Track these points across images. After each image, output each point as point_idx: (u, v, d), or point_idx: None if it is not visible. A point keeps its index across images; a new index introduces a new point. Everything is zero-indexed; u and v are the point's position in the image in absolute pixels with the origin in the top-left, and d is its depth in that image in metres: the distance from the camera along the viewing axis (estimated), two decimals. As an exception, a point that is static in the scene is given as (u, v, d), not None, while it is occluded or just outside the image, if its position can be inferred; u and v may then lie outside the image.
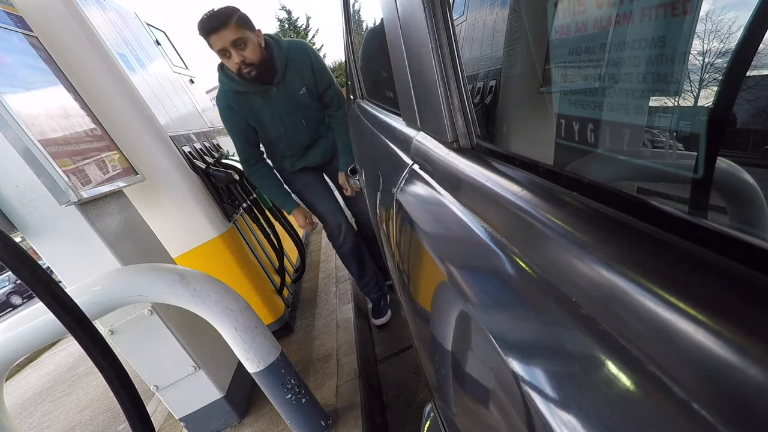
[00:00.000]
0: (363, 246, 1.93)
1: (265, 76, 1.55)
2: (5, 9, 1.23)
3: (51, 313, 1.00)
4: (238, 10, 1.47)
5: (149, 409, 2.10)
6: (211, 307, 1.06)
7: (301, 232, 2.83)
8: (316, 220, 1.85)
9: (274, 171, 1.82)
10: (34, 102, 1.15)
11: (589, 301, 0.21)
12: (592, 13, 0.25)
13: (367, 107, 1.25)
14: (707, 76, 0.19)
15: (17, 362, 1.17)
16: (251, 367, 1.15)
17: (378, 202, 0.83)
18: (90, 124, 1.36)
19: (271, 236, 2.24)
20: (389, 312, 2.02)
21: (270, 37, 1.58)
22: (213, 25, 1.42)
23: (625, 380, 0.17)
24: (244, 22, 1.47)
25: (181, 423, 1.54)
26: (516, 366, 0.25)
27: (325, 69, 1.67)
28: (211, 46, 1.48)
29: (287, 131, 1.69)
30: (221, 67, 1.57)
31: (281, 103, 1.62)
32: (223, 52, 1.47)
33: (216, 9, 1.45)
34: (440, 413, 0.49)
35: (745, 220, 0.19)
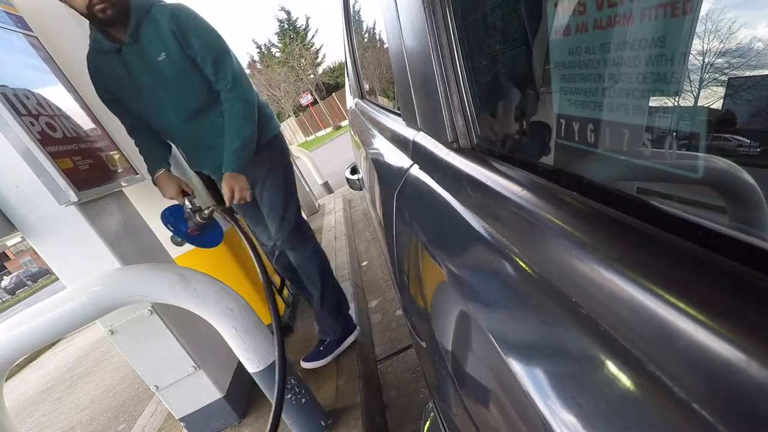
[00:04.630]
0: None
1: (123, 24, 1.21)
2: (5, 9, 1.23)
3: (51, 314, 1.00)
4: None
5: (149, 409, 2.10)
6: (211, 307, 1.06)
7: None
8: (191, 191, 1.39)
9: (151, 130, 1.39)
10: (34, 102, 1.15)
11: (589, 301, 0.21)
12: (592, 13, 0.25)
13: (367, 107, 1.25)
14: (707, 76, 0.19)
15: (17, 362, 1.17)
16: (251, 367, 1.15)
17: (378, 202, 0.83)
18: (90, 124, 1.36)
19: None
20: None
21: None
22: None
23: (625, 380, 0.17)
24: None
25: (181, 423, 1.54)
26: (516, 366, 0.25)
27: (198, 28, 1.25)
28: None
29: (152, 109, 1.31)
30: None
31: (137, 69, 1.25)
32: None
33: None
34: (440, 413, 0.49)
35: (745, 220, 0.19)
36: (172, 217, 1.38)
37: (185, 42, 1.24)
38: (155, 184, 1.37)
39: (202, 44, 1.25)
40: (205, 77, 1.30)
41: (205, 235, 1.43)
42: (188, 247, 1.80)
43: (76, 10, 1.20)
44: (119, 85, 1.28)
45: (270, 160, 1.45)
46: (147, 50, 1.24)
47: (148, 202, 1.66)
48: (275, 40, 29.71)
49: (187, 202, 1.37)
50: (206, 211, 1.36)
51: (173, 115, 1.33)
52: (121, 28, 1.23)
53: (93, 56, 1.27)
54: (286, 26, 28.74)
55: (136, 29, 1.23)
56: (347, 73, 1.69)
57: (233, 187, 1.32)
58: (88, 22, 1.33)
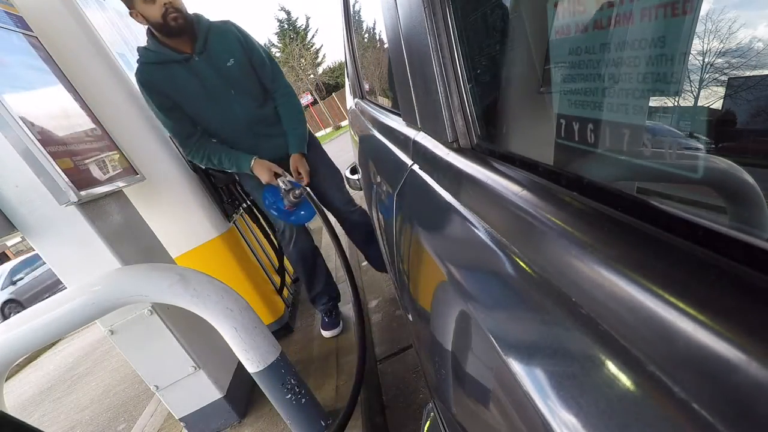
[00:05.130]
0: (316, 254, 1.85)
1: (188, 36, 1.45)
2: (5, 9, 1.23)
3: (51, 314, 1.00)
4: None
5: (149, 409, 2.10)
6: (211, 307, 1.06)
7: None
8: (281, 171, 1.58)
9: (208, 135, 1.60)
10: (34, 102, 1.15)
11: (589, 301, 0.21)
12: (592, 13, 0.25)
13: (367, 107, 1.25)
14: (707, 76, 0.19)
15: (17, 362, 1.17)
16: (251, 367, 1.15)
17: (378, 202, 0.83)
18: (90, 124, 1.36)
19: (271, 236, 2.24)
20: (341, 324, 1.89)
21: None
22: None
23: (625, 380, 0.17)
24: None
25: (181, 423, 1.54)
26: (516, 366, 0.25)
27: (257, 45, 1.57)
28: None
29: (219, 108, 1.52)
30: (140, 49, 1.49)
31: (208, 75, 1.48)
32: (149, 2, 1.35)
33: None
34: (440, 413, 0.49)
35: (745, 220, 0.19)
36: (271, 197, 1.60)
37: (248, 50, 1.53)
38: (251, 172, 1.58)
39: (261, 53, 1.56)
40: (258, 79, 1.57)
41: (298, 211, 1.63)
42: (188, 246, 1.81)
43: (148, 22, 1.40)
44: (186, 90, 1.48)
45: (317, 145, 1.79)
46: (216, 57, 1.48)
47: (148, 203, 1.66)
48: (275, 40, 29.69)
49: (280, 183, 1.55)
50: (297, 192, 1.56)
51: (240, 112, 1.55)
52: (185, 39, 1.46)
53: (148, 69, 1.46)
54: (286, 26, 28.74)
55: (204, 40, 1.46)
56: (347, 73, 1.69)
57: (301, 168, 1.60)
58: (89, 23, 1.33)
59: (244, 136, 1.60)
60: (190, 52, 1.45)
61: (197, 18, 1.48)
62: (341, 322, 1.91)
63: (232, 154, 1.57)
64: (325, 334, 1.90)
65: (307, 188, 1.56)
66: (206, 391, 1.48)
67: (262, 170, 1.55)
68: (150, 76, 1.45)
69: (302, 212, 1.64)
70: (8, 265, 8.57)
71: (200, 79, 1.47)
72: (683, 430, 0.14)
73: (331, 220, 1.59)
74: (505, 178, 0.34)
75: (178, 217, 1.75)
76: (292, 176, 1.58)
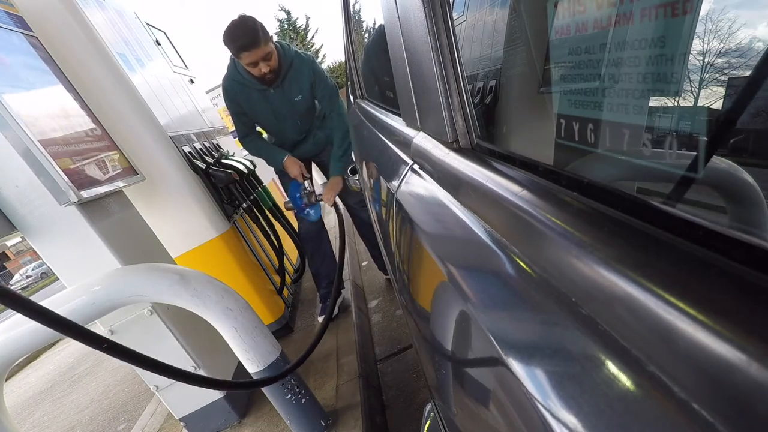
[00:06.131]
0: (322, 234, 2.08)
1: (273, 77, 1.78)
2: (5, 9, 1.23)
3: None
4: (259, 23, 1.64)
5: (149, 409, 2.10)
6: (211, 307, 1.06)
7: None
8: (308, 176, 1.94)
9: (263, 138, 2.01)
10: (34, 102, 1.15)
11: (589, 301, 0.21)
12: (592, 13, 0.25)
13: (367, 107, 1.25)
14: (707, 76, 0.19)
15: (17, 362, 1.17)
16: (251, 367, 1.15)
17: (378, 202, 0.83)
18: (90, 124, 1.36)
19: (271, 236, 2.24)
20: (336, 312, 2.04)
21: (277, 42, 1.79)
22: (245, 43, 1.61)
23: (625, 380, 0.17)
24: (267, 35, 1.67)
25: (181, 423, 1.54)
26: (516, 366, 0.25)
27: (324, 79, 1.87)
28: (239, 58, 1.67)
29: (279, 127, 1.92)
30: (233, 59, 1.78)
31: (277, 104, 1.84)
32: (252, 65, 1.67)
33: (240, 22, 1.62)
34: (440, 413, 0.49)
35: (745, 220, 0.19)
36: (295, 190, 1.93)
37: (316, 87, 1.86)
38: (284, 167, 1.91)
39: (324, 88, 1.86)
40: (316, 108, 1.94)
41: (309, 210, 1.98)
42: (188, 246, 1.81)
43: (251, 73, 1.72)
44: (256, 109, 1.85)
45: None
46: (288, 92, 1.82)
47: (148, 202, 1.66)
48: (275, 40, 29.65)
49: (306, 184, 1.92)
50: (314, 199, 1.93)
51: (290, 132, 1.95)
52: (269, 81, 1.77)
53: (233, 84, 1.81)
54: (286, 26, 28.68)
55: (282, 80, 1.80)
56: (347, 72, 1.69)
57: (333, 195, 1.90)
58: (89, 23, 1.34)
59: (286, 145, 2.00)
60: (270, 85, 1.79)
61: (282, 50, 1.78)
62: (337, 309, 2.02)
63: (272, 151, 1.94)
64: (320, 319, 2.03)
65: (321, 202, 1.93)
66: (206, 391, 1.48)
67: (292, 166, 1.89)
68: (232, 89, 1.81)
69: (311, 212, 2.01)
70: None
71: (270, 105, 1.83)
72: (683, 430, 0.14)
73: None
74: (505, 178, 0.34)
75: (178, 217, 1.75)
76: (314, 183, 1.95)
